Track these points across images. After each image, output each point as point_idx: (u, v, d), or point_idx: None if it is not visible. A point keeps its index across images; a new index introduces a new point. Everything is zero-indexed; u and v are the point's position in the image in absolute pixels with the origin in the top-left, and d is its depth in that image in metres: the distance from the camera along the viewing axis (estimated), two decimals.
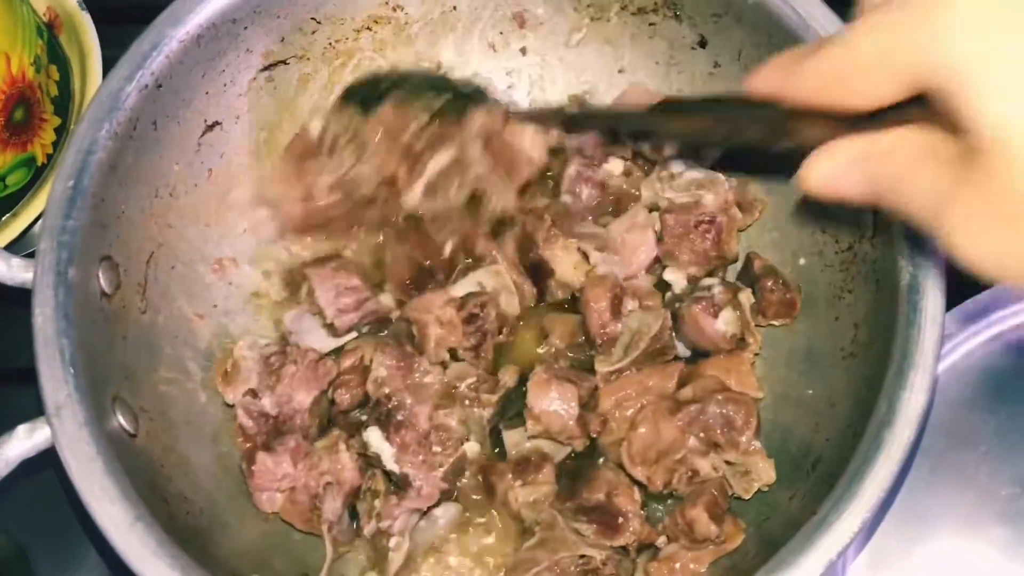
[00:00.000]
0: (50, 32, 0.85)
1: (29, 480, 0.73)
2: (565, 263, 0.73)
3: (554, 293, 0.74)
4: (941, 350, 0.59)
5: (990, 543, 0.70)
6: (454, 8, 0.78)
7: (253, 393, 0.69)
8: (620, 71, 0.78)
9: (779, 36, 0.68)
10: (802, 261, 0.72)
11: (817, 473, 0.62)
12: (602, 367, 0.69)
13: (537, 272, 0.74)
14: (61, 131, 0.85)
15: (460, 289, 0.72)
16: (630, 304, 0.71)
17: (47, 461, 0.59)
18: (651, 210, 0.74)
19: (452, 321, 0.71)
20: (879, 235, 0.64)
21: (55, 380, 0.59)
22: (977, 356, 0.76)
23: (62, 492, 0.72)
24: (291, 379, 0.69)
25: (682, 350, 0.72)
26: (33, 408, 0.60)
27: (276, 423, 0.69)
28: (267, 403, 0.69)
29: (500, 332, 0.72)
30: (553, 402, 0.66)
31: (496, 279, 0.72)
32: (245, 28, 0.71)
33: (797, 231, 0.72)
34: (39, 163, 0.83)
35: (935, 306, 0.59)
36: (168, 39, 0.68)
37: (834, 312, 0.68)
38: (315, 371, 0.70)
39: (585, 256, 0.73)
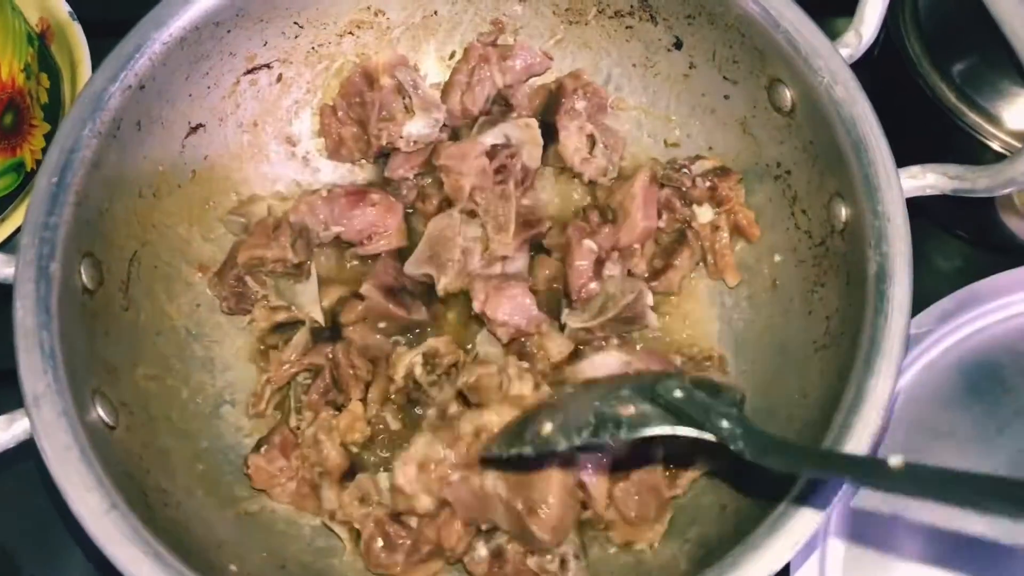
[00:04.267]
0: (41, 41, 0.87)
1: (13, 480, 0.75)
2: (571, 139, 0.76)
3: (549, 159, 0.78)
4: (908, 340, 0.59)
5: (968, 537, 0.70)
6: (435, 13, 0.79)
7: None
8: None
9: (751, 36, 0.70)
10: (777, 258, 0.73)
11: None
12: (572, 322, 0.71)
13: (545, 132, 0.77)
14: (51, 137, 0.86)
15: (489, 139, 0.75)
16: (612, 269, 0.72)
17: (26, 454, 0.60)
18: None
19: (484, 170, 0.74)
20: (849, 229, 0.65)
21: (34, 371, 0.60)
22: (954, 353, 0.76)
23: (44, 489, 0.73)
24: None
25: (653, 321, 0.73)
26: (16, 407, 0.60)
27: None
28: None
29: (523, 182, 0.75)
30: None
31: (523, 132, 0.75)
32: (228, 31, 0.72)
33: (771, 229, 0.73)
34: (28, 168, 0.84)
35: (902, 294, 0.60)
36: (151, 41, 0.69)
37: (808, 306, 0.69)
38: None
39: (592, 143, 0.75)
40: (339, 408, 0.72)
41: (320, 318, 0.73)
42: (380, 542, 0.66)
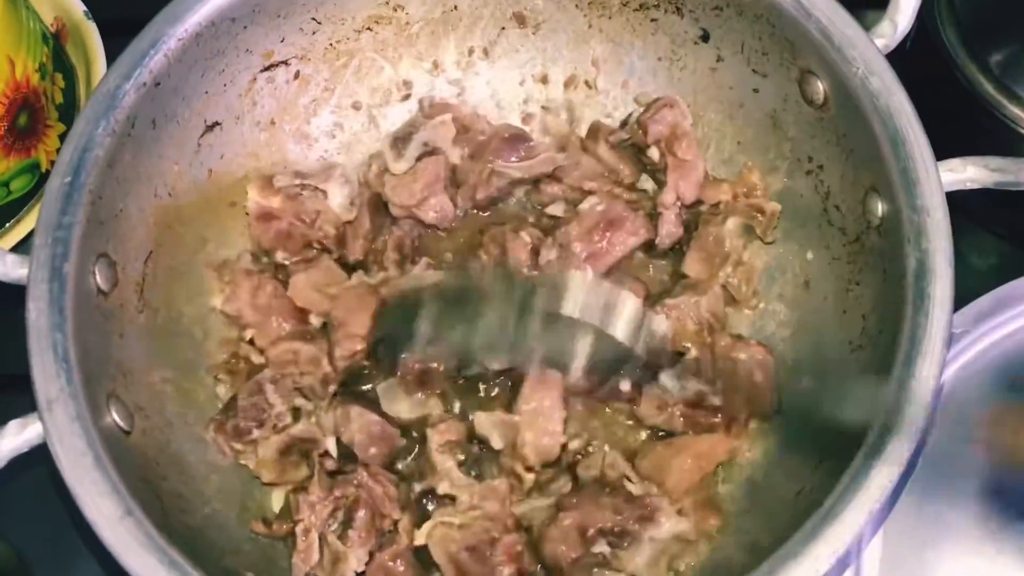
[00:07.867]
0: (56, 41, 0.86)
1: (27, 485, 0.73)
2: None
3: None
4: (951, 339, 0.57)
5: (1005, 542, 0.68)
6: (455, 8, 0.77)
7: None
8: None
9: (781, 26, 0.68)
10: (810, 255, 0.71)
11: (824, 467, 0.60)
12: None
13: None
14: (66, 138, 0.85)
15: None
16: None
17: (40, 458, 0.59)
18: None
19: None
20: (885, 225, 0.63)
21: (48, 375, 0.58)
22: (992, 354, 0.74)
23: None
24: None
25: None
26: (29, 411, 0.59)
27: None
28: None
29: None
30: None
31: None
32: (245, 27, 0.71)
33: (803, 226, 0.71)
34: (43, 169, 0.83)
35: (943, 291, 0.57)
36: (167, 37, 0.67)
37: (842, 305, 0.67)
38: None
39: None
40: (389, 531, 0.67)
41: (334, 451, 0.68)
42: None
